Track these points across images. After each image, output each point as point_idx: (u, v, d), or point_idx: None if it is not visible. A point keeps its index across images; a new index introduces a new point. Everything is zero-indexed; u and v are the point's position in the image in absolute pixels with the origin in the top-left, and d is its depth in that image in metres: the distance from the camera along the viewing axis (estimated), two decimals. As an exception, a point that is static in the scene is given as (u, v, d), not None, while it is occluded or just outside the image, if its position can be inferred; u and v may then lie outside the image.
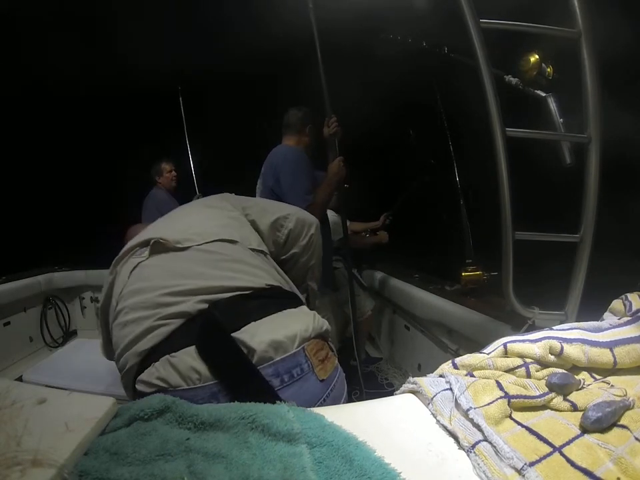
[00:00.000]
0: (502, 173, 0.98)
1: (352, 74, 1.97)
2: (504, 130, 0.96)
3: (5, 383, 0.52)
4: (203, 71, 3.04)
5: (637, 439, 0.49)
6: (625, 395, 0.57)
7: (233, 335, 0.74)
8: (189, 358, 0.72)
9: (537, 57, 1.01)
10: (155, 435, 0.46)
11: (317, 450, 0.45)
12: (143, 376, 0.74)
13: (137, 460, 0.43)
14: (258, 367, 0.72)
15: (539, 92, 1.04)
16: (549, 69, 1.02)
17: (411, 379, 0.63)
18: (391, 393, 0.64)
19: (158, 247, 0.89)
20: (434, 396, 0.57)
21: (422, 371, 2.24)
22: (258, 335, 0.74)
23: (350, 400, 0.81)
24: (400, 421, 0.55)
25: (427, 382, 0.61)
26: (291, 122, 2.04)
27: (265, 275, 0.89)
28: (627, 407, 0.54)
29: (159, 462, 0.43)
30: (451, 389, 0.58)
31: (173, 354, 0.73)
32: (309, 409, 0.54)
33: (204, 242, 0.90)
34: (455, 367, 0.66)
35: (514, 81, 1.09)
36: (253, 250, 0.95)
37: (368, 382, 2.06)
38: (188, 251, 0.89)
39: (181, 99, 3.39)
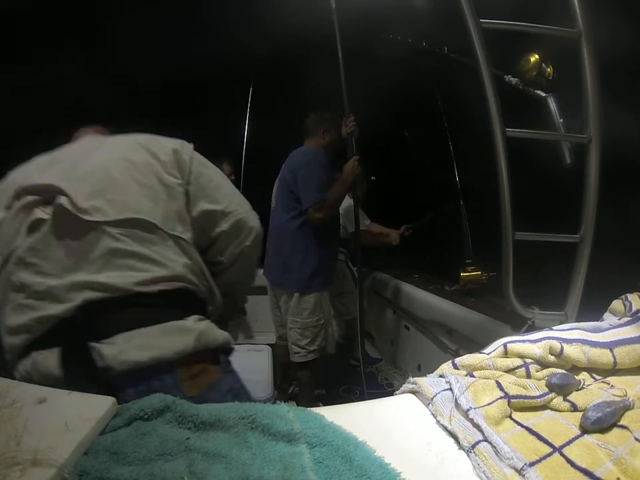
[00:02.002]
0: (502, 172, 0.98)
1: (352, 74, 1.98)
2: (504, 130, 0.96)
3: (5, 383, 0.52)
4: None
5: (636, 439, 0.49)
6: (625, 395, 0.57)
7: (94, 344, 0.69)
8: (51, 361, 0.69)
9: (537, 56, 1.01)
10: (154, 434, 0.46)
11: (317, 450, 0.45)
12: (14, 371, 0.72)
13: (136, 460, 0.43)
14: (110, 375, 0.68)
15: (539, 92, 1.04)
16: (549, 69, 1.02)
17: (410, 379, 0.63)
18: (390, 393, 0.64)
19: (63, 212, 0.75)
20: (434, 396, 0.57)
21: (422, 371, 2.24)
22: (122, 351, 0.69)
23: (350, 400, 0.80)
24: (400, 421, 0.55)
25: (426, 382, 0.61)
26: (309, 125, 2.09)
27: (168, 273, 0.77)
28: (627, 407, 0.54)
29: (159, 462, 0.43)
30: (451, 389, 0.58)
31: (41, 351, 0.70)
32: (308, 409, 0.54)
33: (116, 218, 0.76)
34: (455, 367, 0.66)
35: (514, 80, 1.09)
36: (173, 237, 0.81)
37: (368, 382, 2.06)
38: (92, 232, 0.75)
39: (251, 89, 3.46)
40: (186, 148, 0.89)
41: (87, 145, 0.91)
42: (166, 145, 0.88)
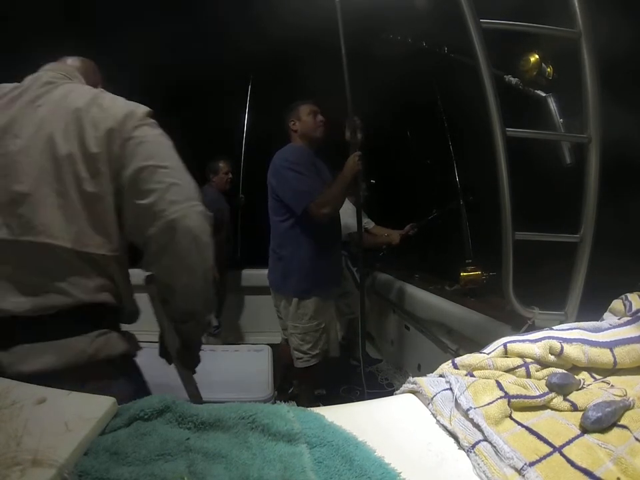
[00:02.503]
0: (502, 173, 0.98)
1: (352, 74, 1.98)
2: (504, 130, 0.96)
3: (5, 383, 0.52)
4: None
5: (636, 439, 0.49)
6: (625, 395, 0.57)
7: None
8: None
9: (537, 56, 1.01)
10: (155, 434, 0.46)
11: (317, 450, 0.45)
12: None
13: (137, 460, 0.43)
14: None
15: (539, 92, 1.04)
16: (548, 69, 1.02)
17: (410, 378, 0.63)
18: (390, 393, 0.64)
19: None
20: (434, 396, 0.57)
21: (422, 370, 2.24)
22: (16, 362, 0.70)
23: (350, 400, 0.80)
24: (400, 420, 0.55)
25: (426, 382, 0.61)
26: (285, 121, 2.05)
27: (69, 302, 0.74)
28: (627, 407, 0.54)
29: (159, 462, 0.43)
30: (451, 389, 0.58)
31: None
32: (308, 409, 0.54)
33: (20, 239, 0.71)
34: (455, 366, 0.66)
35: (514, 80, 1.09)
36: (85, 256, 0.75)
37: (368, 382, 2.06)
38: None
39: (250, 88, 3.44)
40: (127, 127, 0.75)
41: (25, 102, 0.77)
42: (101, 125, 0.74)
